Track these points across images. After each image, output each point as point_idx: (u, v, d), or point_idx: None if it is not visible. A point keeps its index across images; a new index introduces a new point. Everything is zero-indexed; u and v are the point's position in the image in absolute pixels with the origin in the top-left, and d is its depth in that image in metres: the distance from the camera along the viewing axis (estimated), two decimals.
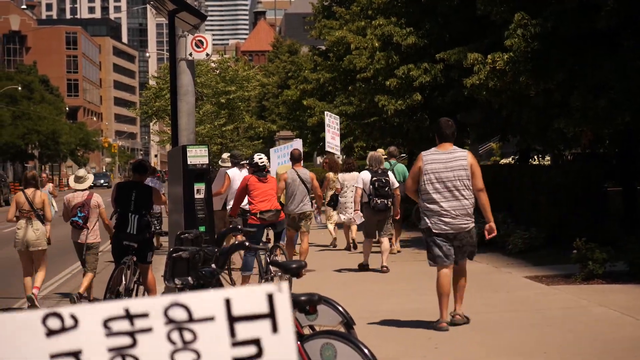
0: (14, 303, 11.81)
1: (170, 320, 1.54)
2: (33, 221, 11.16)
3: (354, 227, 16.68)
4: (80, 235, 11.08)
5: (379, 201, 13.07)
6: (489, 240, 9.17)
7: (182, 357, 1.55)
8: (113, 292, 10.13)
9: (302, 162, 13.66)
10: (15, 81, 77.04)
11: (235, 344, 1.56)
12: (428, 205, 8.50)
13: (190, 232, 7.26)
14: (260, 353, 1.56)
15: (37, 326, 1.51)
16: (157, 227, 16.38)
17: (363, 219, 13.46)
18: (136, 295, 10.74)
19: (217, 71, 41.87)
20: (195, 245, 6.86)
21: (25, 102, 77.12)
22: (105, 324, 1.53)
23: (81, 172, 11.70)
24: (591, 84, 12.68)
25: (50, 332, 1.52)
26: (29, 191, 11.33)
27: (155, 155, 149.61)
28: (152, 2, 11.59)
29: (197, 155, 8.41)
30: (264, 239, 11.73)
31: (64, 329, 1.52)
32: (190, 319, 1.55)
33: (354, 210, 13.70)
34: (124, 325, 1.53)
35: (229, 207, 12.87)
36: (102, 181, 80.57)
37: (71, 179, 11.69)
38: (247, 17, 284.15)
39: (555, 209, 14.97)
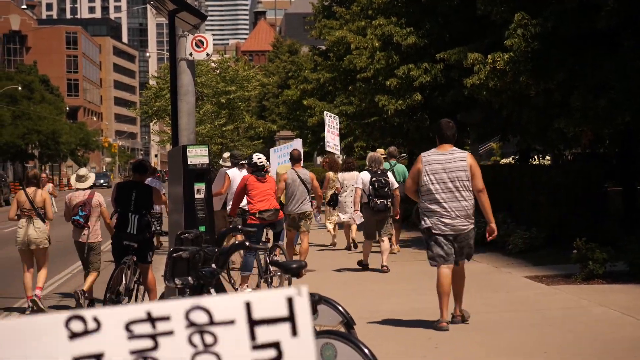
0: (14, 303, 11.81)
1: (191, 324, 1.55)
2: (34, 220, 11.16)
3: (353, 227, 16.68)
4: (82, 234, 11.08)
5: (378, 202, 13.09)
6: (489, 240, 9.20)
7: None
8: (113, 291, 10.13)
9: (301, 162, 13.66)
10: (15, 81, 77.05)
11: (256, 347, 1.57)
12: (428, 206, 8.52)
13: (190, 232, 7.25)
14: (280, 356, 1.57)
15: (60, 329, 1.52)
16: (157, 227, 16.39)
17: (362, 219, 13.47)
18: (136, 295, 10.75)
19: (218, 71, 41.91)
20: (196, 245, 6.86)
21: (26, 102, 77.12)
22: (128, 327, 1.54)
23: (83, 171, 11.70)
24: (591, 84, 12.68)
25: (73, 335, 1.53)
26: (30, 190, 11.33)
27: (156, 155, 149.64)
28: (152, 2, 11.59)
29: (198, 155, 8.40)
30: (263, 238, 11.74)
31: (86, 332, 1.53)
32: (211, 322, 1.56)
33: (354, 211, 13.72)
34: (146, 328, 1.54)
35: (228, 207, 12.88)
36: (101, 181, 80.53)
37: (73, 177, 11.69)
38: (247, 17, 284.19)
39: (555, 209, 14.97)
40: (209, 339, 1.55)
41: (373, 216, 13.22)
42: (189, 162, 8.36)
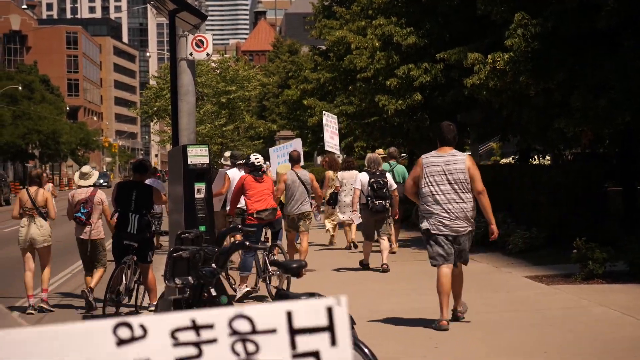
0: (15, 302, 11.82)
1: (234, 332, 1.57)
2: (36, 218, 11.18)
3: (353, 227, 16.70)
4: (83, 231, 11.09)
5: (376, 202, 13.13)
6: (491, 240, 9.28)
7: None
8: (113, 291, 10.14)
9: (301, 163, 13.68)
10: (15, 81, 77.06)
11: (296, 355, 1.59)
12: (428, 208, 8.59)
13: (190, 231, 7.25)
14: None
15: (108, 335, 1.54)
16: (157, 227, 16.40)
17: (361, 220, 13.52)
18: (136, 294, 10.76)
19: (218, 71, 41.89)
20: (196, 244, 6.87)
21: (26, 102, 77.13)
22: (173, 334, 1.56)
23: (86, 168, 11.74)
24: (591, 83, 12.68)
25: (121, 342, 1.55)
26: (32, 189, 11.36)
27: (156, 155, 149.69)
28: (152, 2, 11.59)
29: (198, 155, 8.40)
30: (262, 238, 11.75)
31: (133, 339, 1.55)
32: (254, 331, 1.58)
33: (352, 211, 13.78)
34: (190, 335, 1.56)
35: (228, 207, 12.89)
36: (101, 181, 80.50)
37: (76, 175, 11.72)
38: (247, 17, 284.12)
39: (555, 209, 14.97)
40: (251, 347, 1.58)
41: (371, 217, 13.27)
42: (189, 162, 8.36)
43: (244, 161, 13.37)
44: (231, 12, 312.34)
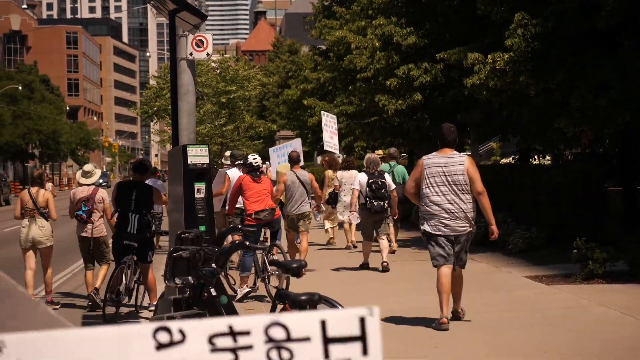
0: None
1: (270, 339, 1.59)
2: (37, 219, 11.19)
3: (353, 227, 16.71)
4: (85, 229, 11.10)
5: (375, 203, 13.17)
6: (491, 240, 9.32)
7: None
8: (113, 291, 10.14)
9: (300, 163, 13.69)
10: (15, 81, 77.03)
11: None
12: (428, 209, 8.66)
13: (190, 231, 7.26)
14: None
15: (148, 339, 1.56)
16: (158, 227, 16.39)
17: (359, 220, 13.57)
18: (136, 294, 10.77)
19: (218, 71, 41.88)
20: (196, 244, 6.87)
21: (26, 102, 77.10)
22: (210, 339, 1.58)
23: (88, 167, 11.77)
24: (591, 83, 12.68)
25: (160, 346, 1.57)
26: (34, 190, 11.38)
27: (156, 155, 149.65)
28: (152, 2, 11.59)
29: (198, 155, 8.40)
30: (261, 238, 11.76)
31: (172, 343, 1.57)
32: (289, 339, 1.60)
33: (350, 211, 13.83)
34: (227, 342, 1.58)
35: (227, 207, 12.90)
36: (100, 180, 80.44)
37: (78, 173, 11.76)
38: (247, 17, 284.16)
39: (555, 209, 14.97)
40: (285, 354, 1.60)
41: (370, 217, 13.32)
42: (189, 162, 8.36)
43: (241, 161, 13.39)
44: (231, 12, 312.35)
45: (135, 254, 10.30)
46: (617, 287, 10.61)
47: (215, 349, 1.58)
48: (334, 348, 1.60)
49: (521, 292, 10.76)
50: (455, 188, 8.54)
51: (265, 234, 12.01)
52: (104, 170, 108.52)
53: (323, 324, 1.61)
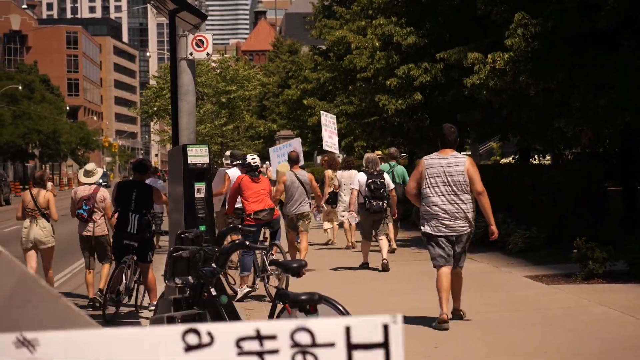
0: None
1: (295, 344, 1.61)
2: (38, 220, 11.20)
3: (353, 227, 16.72)
4: (86, 228, 11.11)
5: (374, 203, 13.19)
6: (491, 240, 9.35)
7: None
8: (113, 291, 10.15)
9: (299, 163, 13.69)
10: (15, 81, 77.03)
11: None
12: (428, 209, 8.69)
13: (190, 231, 7.26)
14: None
15: (177, 341, 1.59)
16: (158, 227, 16.39)
17: (357, 219, 13.59)
18: (136, 294, 10.77)
19: (218, 71, 41.92)
20: (196, 244, 6.87)
21: (26, 102, 77.11)
22: (238, 343, 1.61)
23: (90, 166, 11.79)
24: (591, 83, 12.68)
25: (189, 348, 1.59)
26: (35, 190, 11.39)
27: (156, 155, 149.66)
28: (152, 2, 11.59)
29: (198, 155, 8.40)
30: (260, 237, 11.77)
31: (200, 345, 1.60)
32: (314, 344, 1.62)
33: (349, 211, 13.85)
34: (254, 345, 1.61)
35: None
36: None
37: (80, 172, 11.78)
38: (247, 17, 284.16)
39: (555, 209, 14.97)
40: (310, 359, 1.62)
41: (369, 217, 13.35)
42: (189, 162, 8.36)
43: (238, 161, 13.40)
44: (231, 12, 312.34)
45: (135, 253, 10.31)
46: (617, 287, 10.61)
47: (242, 352, 1.60)
48: (357, 354, 1.63)
49: (521, 292, 10.76)
50: (455, 188, 8.57)
51: (264, 233, 12.02)
52: (104, 170, 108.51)
53: (347, 330, 1.64)
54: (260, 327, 1.61)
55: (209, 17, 12.57)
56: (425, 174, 8.70)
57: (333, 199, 17.06)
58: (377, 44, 19.25)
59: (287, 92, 41.35)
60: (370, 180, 13.27)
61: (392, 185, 13.68)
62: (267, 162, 21.98)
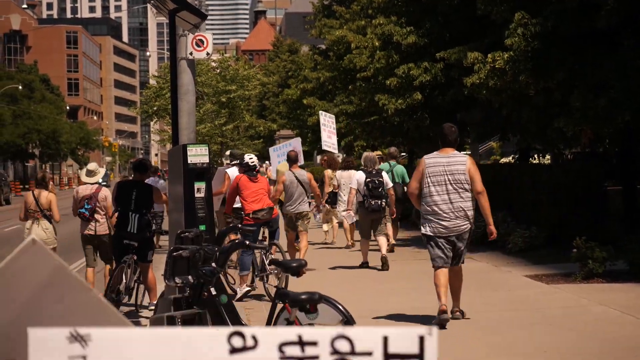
0: None
1: (335, 351, 1.64)
2: (40, 221, 11.21)
3: (353, 226, 16.72)
4: (88, 227, 11.12)
5: (372, 202, 13.21)
6: (490, 240, 9.36)
7: None
8: (113, 290, 10.15)
9: (299, 162, 13.70)
10: (15, 80, 77.01)
11: None
12: (428, 208, 8.71)
13: (190, 231, 7.26)
14: None
15: (222, 343, 1.63)
16: (158, 227, 16.39)
17: (355, 219, 13.61)
18: (136, 294, 10.77)
19: (218, 70, 41.91)
20: (196, 244, 6.87)
21: (26, 102, 77.09)
22: (280, 347, 1.65)
23: (92, 165, 11.81)
24: (591, 83, 12.68)
25: (233, 350, 1.63)
26: (37, 191, 11.40)
27: (156, 154, 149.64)
28: (152, 2, 11.60)
29: (198, 154, 8.40)
30: (260, 237, 11.77)
31: (245, 348, 1.64)
32: (352, 352, 1.65)
33: (347, 210, 13.87)
34: (296, 350, 1.65)
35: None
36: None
37: (82, 172, 11.80)
38: (247, 17, 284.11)
39: (555, 208, 14.97)
40: None
41: (367, 216, 13.37)
42: (189, 161, 8.36)
43: (237, 161, 13.41)
44: (231, 12, 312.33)
45: (135, 253, 10.31)
46: (617, 287, 10.62)
47: (284, 357, 1.63)
48: None
49: (521, 291, 10.76)
50: (456, 187, 8.59)
51: (263, 233, 12.02)
52: (106, 170, 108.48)
53: (385, 340, 1.65)
54: (302, 332, 1.64)
55: (208, 17, 12.57)
56: (426, 172, 8.72)
57: (333, 199, 17.07)
58: (377, 44, 19.25)
59: (287, 92, 41.36)
60: (368, 179, 13.28)
61: (390, 184, 13.69)
62: (267, 162, 21.98)
